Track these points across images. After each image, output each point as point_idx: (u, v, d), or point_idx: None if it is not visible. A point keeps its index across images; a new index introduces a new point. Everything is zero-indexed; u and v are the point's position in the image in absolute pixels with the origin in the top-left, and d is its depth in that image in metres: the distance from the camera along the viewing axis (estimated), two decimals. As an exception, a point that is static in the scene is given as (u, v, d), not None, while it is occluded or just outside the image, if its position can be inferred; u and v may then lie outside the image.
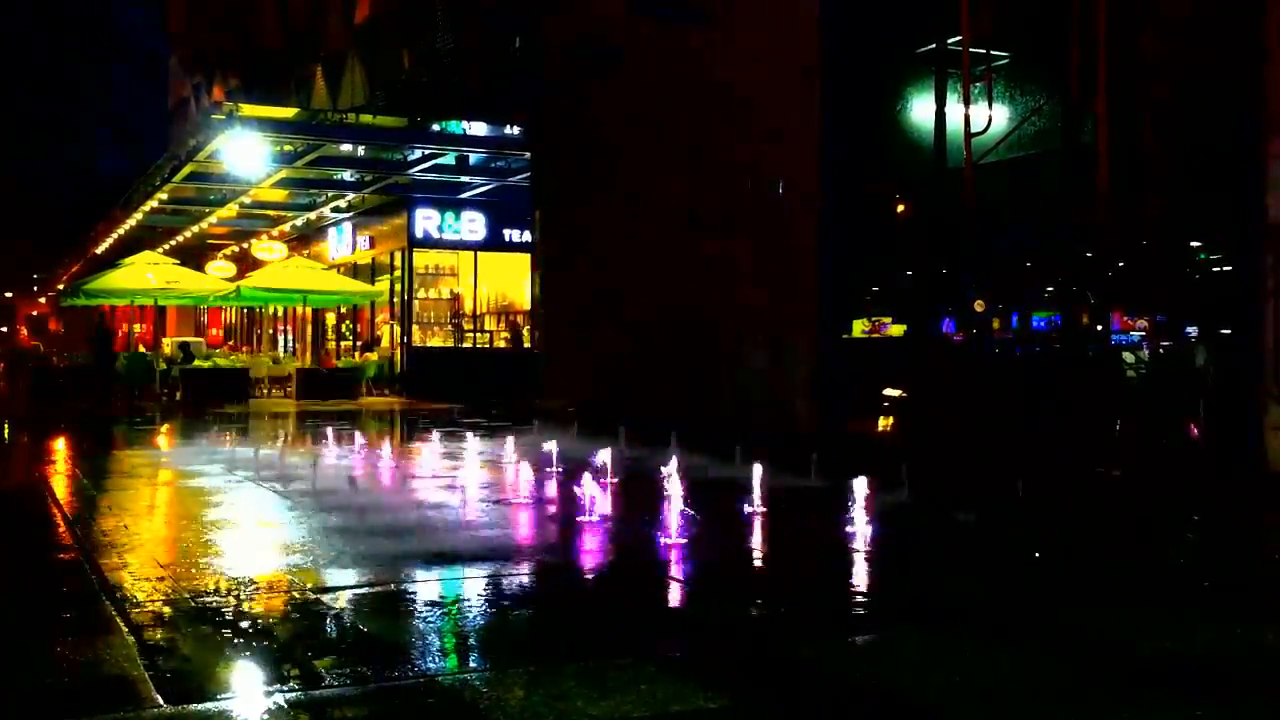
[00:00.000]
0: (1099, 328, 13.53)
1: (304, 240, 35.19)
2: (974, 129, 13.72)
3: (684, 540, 7.79)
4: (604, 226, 19.15)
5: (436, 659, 5.28)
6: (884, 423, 14.64)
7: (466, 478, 11.30)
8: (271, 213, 32.99)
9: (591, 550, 8.18)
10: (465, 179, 27.43)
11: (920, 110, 15.22)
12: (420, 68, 29.73)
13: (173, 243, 36.97)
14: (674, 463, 8.16)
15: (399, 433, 17.38)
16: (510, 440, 12.63)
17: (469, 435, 14.44)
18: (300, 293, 28.17)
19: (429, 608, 6.33)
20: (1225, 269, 13.36)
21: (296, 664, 5.04)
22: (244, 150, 23.47)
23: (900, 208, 16.23)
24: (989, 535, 8.71)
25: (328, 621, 5.95)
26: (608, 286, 18.76)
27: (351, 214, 31.68)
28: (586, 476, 9.08)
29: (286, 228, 34.40)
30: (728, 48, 16.35)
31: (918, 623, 5.97)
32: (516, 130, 24.30)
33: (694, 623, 6.24)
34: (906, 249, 15.49)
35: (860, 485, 8.13)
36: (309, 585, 6.65)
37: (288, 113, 26.52)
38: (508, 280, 29.62)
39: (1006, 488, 10.34)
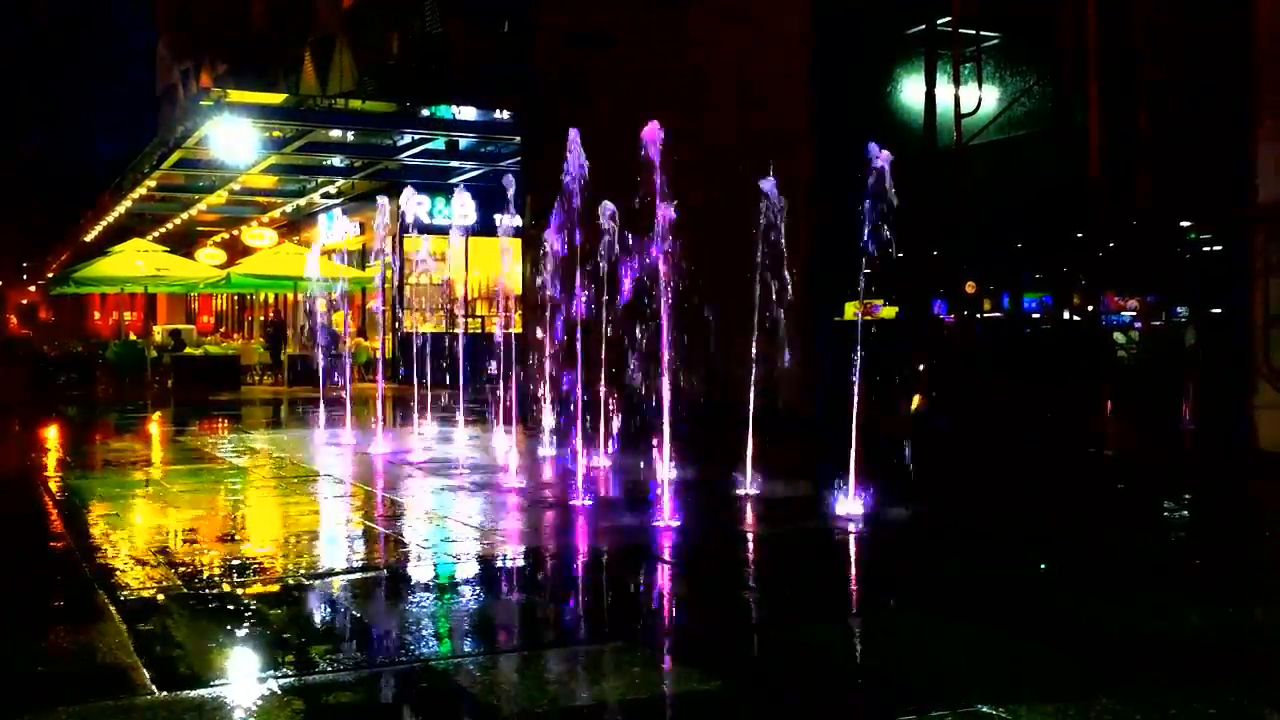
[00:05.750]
0: (1090, 308, 13.57)
1: (294, 226, 35.07)
2: (964, 110, 13.71)
3: (676, 522, 7.81)
4: (596, 213, 19.11)
5: (430, 644, 5.28)
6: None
7: (457, 459, 11.30)
8: (261, 199, 32.86)
9: (581, 534, 8.20)
10: (455, 164, 27.36)
11: (910, 91, 15.21)
12: (409, 52, 29.62)
13: (162, 230, 36.82)
14: (662, 447, 8.17)
15: (390, 417, 17.35)
16: (501, 424, 12.64)
17: (460, 420, 14.45)
18: (291, 279, 28.08)
19: (421, 607, 6.34)
20: (1215, 250, 13.38)
21: (289, 649, 5.05)
22: (233, 136, 23.37)
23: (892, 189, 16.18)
24: (980, 519, 8.72)
25: (319, 606, 5.96)
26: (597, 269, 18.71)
27: (341, 200, 31.58)
28: (569, 468, 9.10)
29: (277, 214, 34.28)
30: (718, 31, 16.31)
31: (910, 606, 5.99)
32: (507, 115, 24.20)
33: (685, 605, 6.26)
34: (898, 231, 15.47)
35: (848, 471, 8.15)
36: (301, 570, 6.65)
37: (276, 98, 26.38)
38: (499, 265, 29.54)
39: (998, 471, 10.39)
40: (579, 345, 10.45)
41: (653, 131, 9.20)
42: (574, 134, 10.57)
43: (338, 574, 6.68)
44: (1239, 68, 11.49)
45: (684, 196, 17.35)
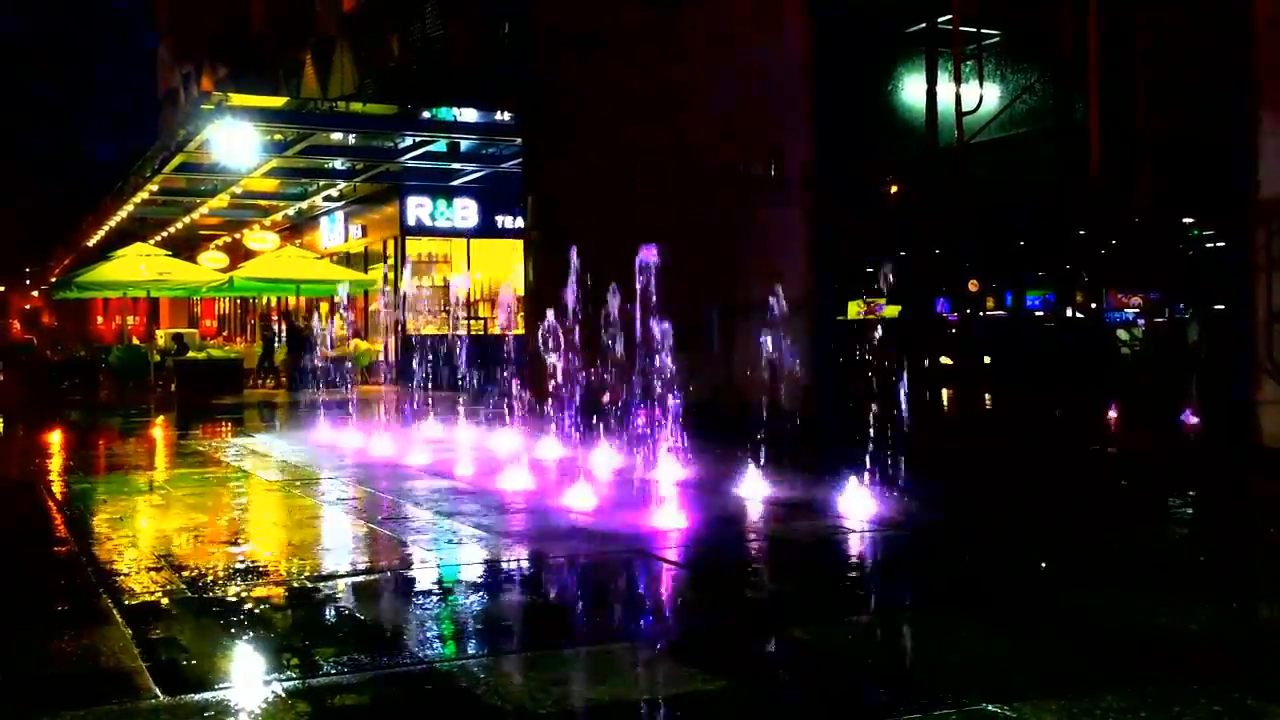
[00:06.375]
0: (1093, 305, 13.56)
1: (296, 230, 35.11)
2: (966, 108, 13.71)
3: (679, 523, 7.81)
4: (597, 212, 19.11)
5: (433, 645, 5.28)
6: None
7: (460, 461, 11.31)
8: (263, 203, 32.90)
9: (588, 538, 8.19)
10: (457, 166, 27.36)
11: (912, 90, 15.21)
12: (410, 55, 29.63)
13: (165, 234, 36.87)
14: (665, 450, 8.18)
15: (393, 419, 17.38)
16: (504, 427, 12.64)
17: (462, 422, 14.46)
18: (293, 282, 28.12)
19: (424, 609, 6.34)
20: (1217, 246, 13.38)
21: (294, 652, 5.05)
22: (234, 140, 23.37)
23: (894, 188, 16.22)
24: (984, 518, 8.72)
25: (322, 609, 5.95)
26: (600, 271, 18.72)
27: (343, 203, 31.61)
28: (573, 470, 9.09)
29: (279, 217, 34.31)
30: (718, 31, 16.30)
31: (916, 605, 5.99)
32: (507, 116, 24.22)
33: (689, 605, 6.26)
34: (901, 229, 15.49)
35: (851, 471, 8.15)
36: (304, 573, 6.65)
37: (277, 102, 26.42)
38: (501, 267, 29.59)
39: (1003, 469, 10.36)
40: (581, 348, 10.44)
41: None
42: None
43: (341, 577, 6.68)
44: (1240, 63, 11.48)
45: (684, 197, 17.39)
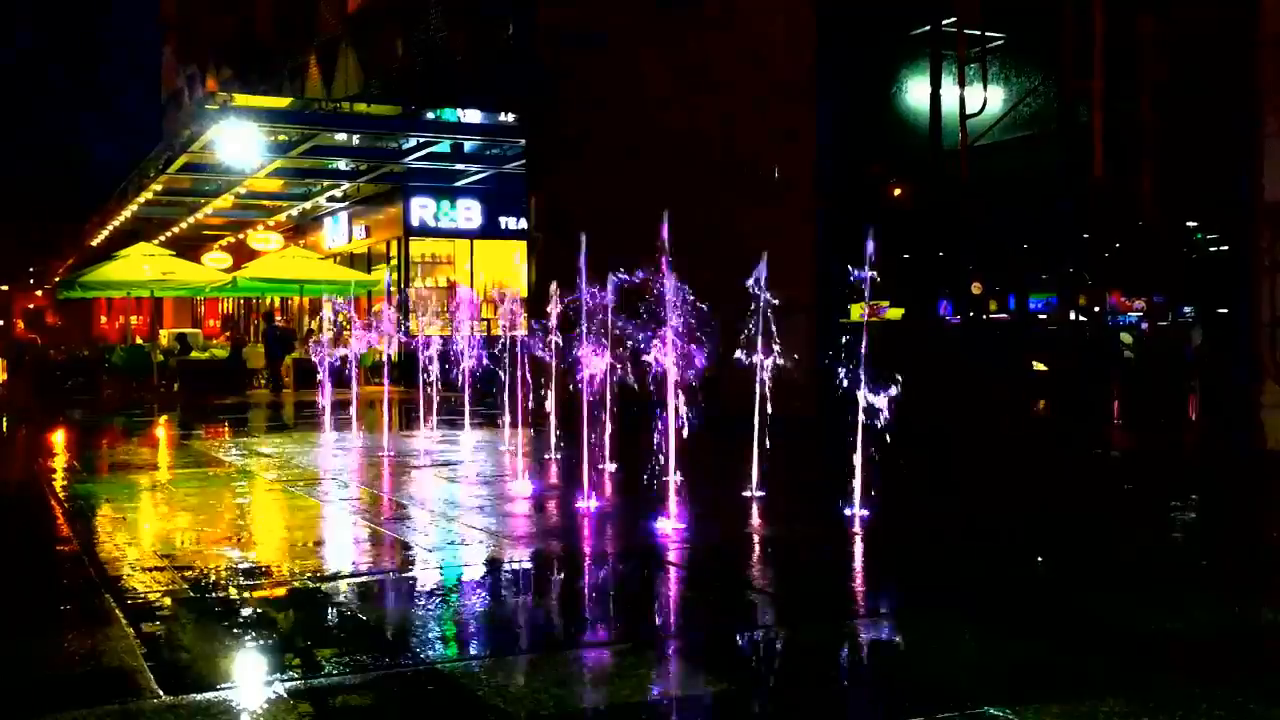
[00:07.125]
0: (1096, 308, 13.55)
1: (300, 230, 35.13)
2: (969, 111, 13.71)
3: (682, 524, 7.81)
4: (600, 213, 19.11)
5: (436, 647, 5.28)
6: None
7: (462, 462, 11.31)
8: (267, 203, 32.92)
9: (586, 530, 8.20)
10: (460, 167, 27.37)
11: (916, 92, 15.21)
12: (414, 56, 29.65)
13: (168, 234, 36.90)
14: (667, 452, 8.17)
15: (396, 420, 17.41)
16: (507, 428, 12.64)
17: (465, 423, 14.47)
18: (297, 283, 28.13)
19: (427, 610, 6.34)
20: (1221, 248, 13.37)
21: (295, 652, 5.05)
22: (239, 140, 23.39)
23: (898, 190, 16.21)
24: (987, 520, 8.71)
25: (325, 609, 5.96)
26: (603, 272, 18.75)
27: (347, 203, 31.62)
28: (575, 473, 9.10)
29: (282, 218, 34.34)
30: (721, 32, 16.32)
31: (917, 607, 5.98)
32: (511, 117, 24.22)
33: (693, 607, 6.25)
34: (904, 232, 15.48)
35: (853, 474, 8.14)
36: (306, 572, 6.65)
37: (282, 102, 26.44)
38: (504, 268, 29.61)
39: (1004, 471, 10.35)
40: (583, 349, 10.44)
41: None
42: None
43: (343, 577, 6.68)
44: (1244, 67, 11.48)
45: (687, 198, 17.33)
